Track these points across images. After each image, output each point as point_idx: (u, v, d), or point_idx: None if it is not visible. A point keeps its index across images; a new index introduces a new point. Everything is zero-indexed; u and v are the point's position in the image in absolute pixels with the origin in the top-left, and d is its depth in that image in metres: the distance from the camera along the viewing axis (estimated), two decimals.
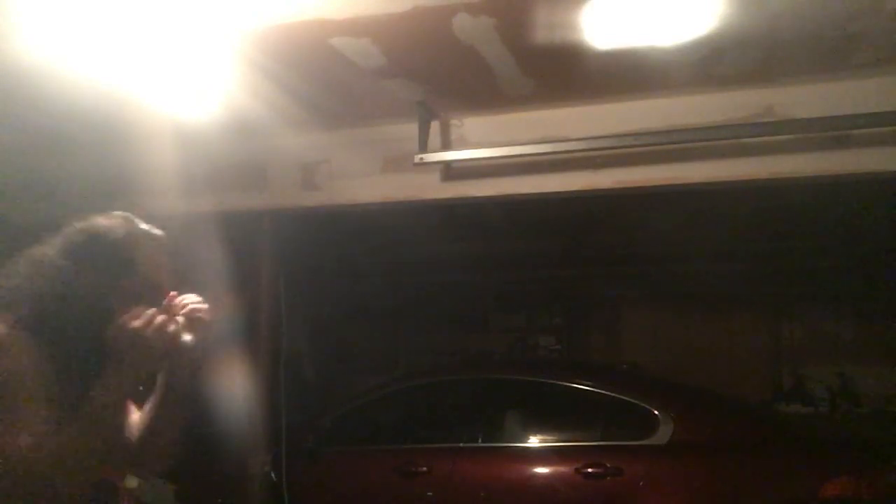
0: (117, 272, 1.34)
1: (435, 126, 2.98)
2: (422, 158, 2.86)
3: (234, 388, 3.24)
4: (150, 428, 1.44)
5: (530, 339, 7.76)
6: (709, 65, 2.45)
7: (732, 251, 5.85)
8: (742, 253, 5.91)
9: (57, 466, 1.17)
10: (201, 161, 3.17)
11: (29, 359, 1.21)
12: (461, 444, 3.69)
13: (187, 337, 1.38)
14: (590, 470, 3.35)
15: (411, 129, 2.91)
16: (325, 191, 3.22)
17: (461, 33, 2.18)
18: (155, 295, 1.39)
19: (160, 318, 1.31)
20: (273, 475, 3.57)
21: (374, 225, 4.63)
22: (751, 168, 2.68)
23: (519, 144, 2.80)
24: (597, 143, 2.71)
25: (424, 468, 3.60)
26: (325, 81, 2.62)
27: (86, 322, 1.29)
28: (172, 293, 1.42)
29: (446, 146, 3.00)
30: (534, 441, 3.68)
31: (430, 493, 3.52)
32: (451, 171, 3.02)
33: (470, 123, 3.01)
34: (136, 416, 1.47)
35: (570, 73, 2.55)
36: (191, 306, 1.41)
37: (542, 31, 2.17)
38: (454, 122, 3.03)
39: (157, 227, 1.48)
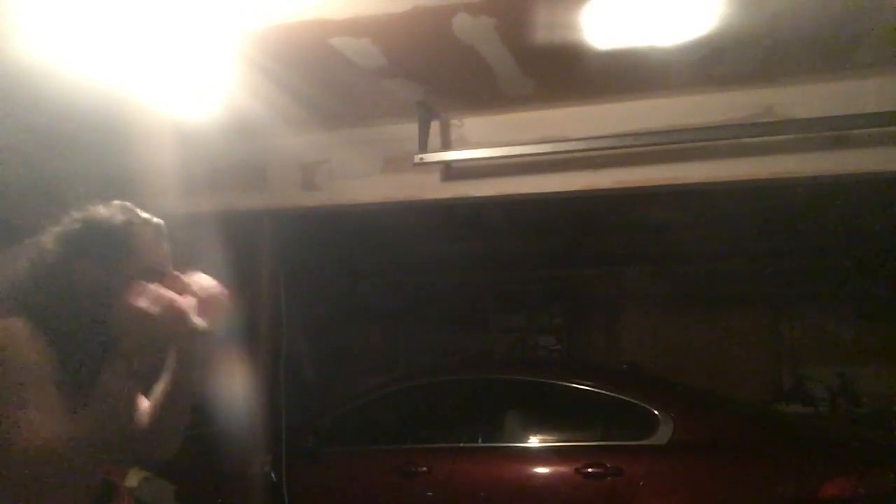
0: (115, 259, 1.32)
1: (435, 126, 2.98)
2: (422, 158, 2.86)
3: (234, 388, 3.24)
4: (159, 416, 1.42)
5: (530, 339, 7.75)
6: (709, 65, 2.45)
7: (732, 251, 5.86)
8: (742, 253, 5.91)
9: (72, 455, 1.16)
10: (201, 161, 3.17)
11: (32, 348, 1.20)
12: (461, 444, 3.69)
13: (198, 320, 1.36)
14: (590, 470, 3.35)
15: (411, 129, 2.91)
16: (325, 191, 3.22)
17: (461, 33, 2.18)
18: (156, 281, 1.36)
19: (168, 295, 1.28)
20: (273, 475, 3.57)
21: (374, 225, 4.63)
22: (751, 168, 2.68)
23: (519, 144, 2.81)
24: (597, 143, 2.71)
25: (424, 468, 3.60)
26: (325, 81, 2.62)
27: (86, 309, 1.27)
28: (178, 274, 1.39)
29: (446, 146, 3.00)
30: (534, 441, 3.68)
31: (430, 493, 3.52)
32: (451, 171, 3.02)
33: (470, 123, 3.01)
34: (144, 404, 1.46)
35: (570, 73, 2.55)
36: (206, 288, 1.40)
37: (542, 31, 2.17)
38: (454, 122, 3.03)
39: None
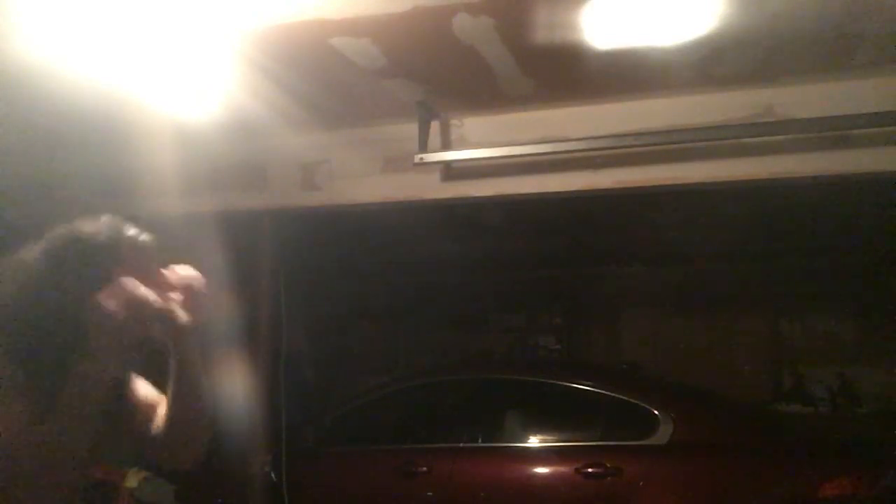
0: (99, 277, 1.29)
1: (435, 126, 2.98)
2: (422, 158, 2.86)
3: (234, 388, 3.24)
4: (171, 417, 1.41)
5: (530, 339, 7.75)
6: (709, 65, 2.45)
7: (732, 251, 5.86)
8: (742, 253, 5.91)
9: (39, 461, 1.15)
10: (201, 161, 3.17)
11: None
12: (461, 444, 3.69)
13: (183, 314, 1.34)
14: (590, 470, 3.35)
15: (411, 129, 2.91)
16: (325, 191, 3.22)
17: (461, 33, 2.18)
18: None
19: (142, 292, 1.25)
20: (273, 475, 3.57)
21: (374, 225, 4.63)
22: (751, 168, 2.68)
23: (519, 144, 2.80)
24: (597, 143, 2.71)
25: (424, 468, 3.60)
26: (325, 81, 2.62)
27: (64, 326, 1.25)
28: (162, 270, 1.38)
29: (446, 146, 3.00)
30: (534, 441, 3.68)
31: (430, 493, 3.52)
32: (451, 171, 3.02)
33: (470, 123, 3.01)
34: (158, 409, 1.45)
35: (570, 73, 2.55)
36: (185, 280, 1.37)
37: (542, 31, 2.17)
38: (454, 122, 3.03)
39: (149, 230, 1.45)
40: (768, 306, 6.88)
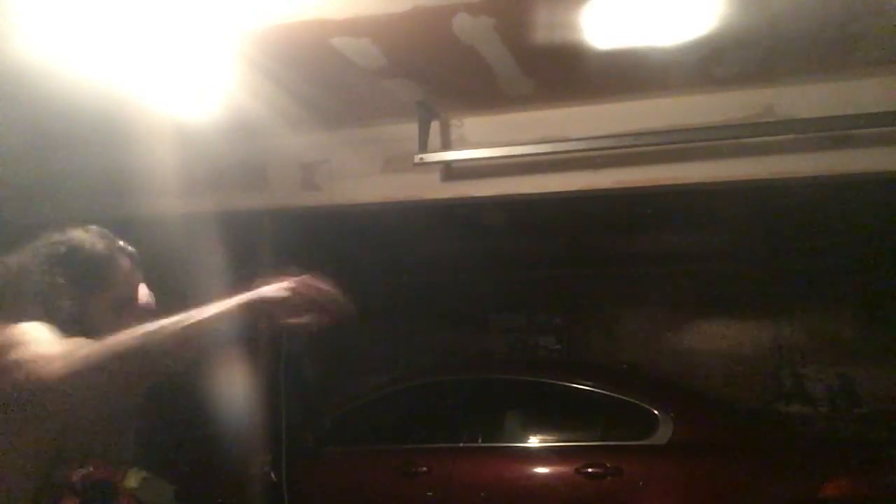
0: (93, 285, 1.33)
1: (435, 126, 2.98)
2: (422, 158, 2.86)
3: (234, 388, 3.24)
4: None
5: (530, 339, 7.74)
6: (709, 65, 2.45)
7: (732, 251, 5.86)
8: (742, 253, 5.91)
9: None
10: (201, 161, 3.17)
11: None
12: (461, 444, 3.69)
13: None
14: (590, 470, 3.35)
15: (411, 129, 2.91)
16: (325, 191, 3.22)
17: (461, 33, 2.18)
18: (128, 309, 1.38)
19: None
20: (273, 475, 3.57)
21: (374, 225, 4.63)
22: (751, 168, 2.68)
23: (519, 144, 2.80)
24: (597, 143, 2.71)
25: (424, 468, 3.60)
26: (325, 81, 2.62)
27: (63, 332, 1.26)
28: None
29: (446, 146, 3.00)
30: (534, 441, 3.68)
31: (430, 493, 3.52)
32: (451, 171, 3.02)
33: (470, 123, 3.01)
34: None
35: (570, 73, 2.55)
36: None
37: (542, 31, 2.17)
38: (454, 122, 3.02)
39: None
40: (768, 306, 6.88)
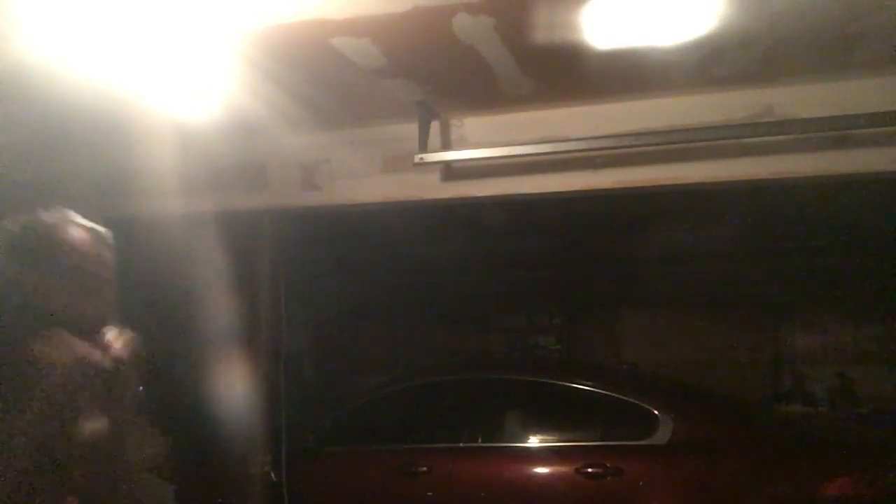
0: (48, 262, 1.32)
1: (435, 126, 2.98)
2: (422, 158, 2.86)
3: (234, 388, 3.24)
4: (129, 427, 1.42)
5: (530, 339, 7.75)
6: (709, 65, 2.45)
7: (732, 251, 5.86)
8: (742, 253, 5.91)
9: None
10: (201, 161, 3.17)
11: None
12: (461, 444, 3.69)
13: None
14: (590, 470, 3.35)
15: (411, 129, 2.91)
16: (325, 191, 3.22)
17: (461, 33, 2.18)
18: (90, 286, 1.37)
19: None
20: (273, 475, 3.57)
21: (374, 225, 4.63)
22: (751, 168, 2.68)
23: (519, 144, 2.80)
24: (597, 143, 2.71)
25: (424, 468, 3.60)
26: (325, 81, 2.62)
27: (19, 314, 1.26)
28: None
29: (446, 146, 3.00)
30: (534, 441, 3.68)
31: (430, 493, 3.52)
32: (451, 171, 3.02)
33: (470, 123, 3.01)
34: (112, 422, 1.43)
35: (570, 73, 2.55)
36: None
37: (542, 31, 2.17)
38: (454, 122, 3.03)
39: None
40: (768, 306, 6.88)
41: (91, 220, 1.43)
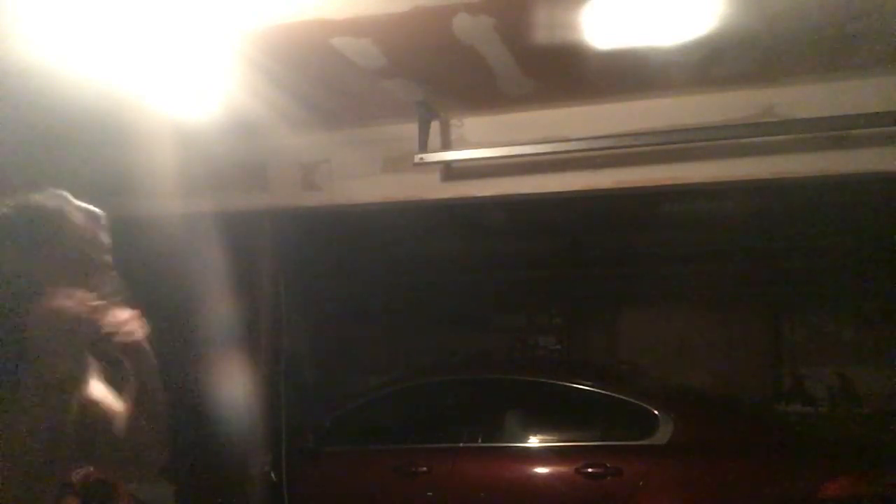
0: (45, 243, 1.30)
1: (435, 126, 2.98)
2: (422, 158, 2.86)
3: (234, 388, 3.24)
4: (133, 423, 1.41)
5: (530, 339, 7.75)
6: (709, 65, 2.45)
7: (732, 251, 5.86)
8: (742, 253, 5.91)
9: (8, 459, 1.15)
10: (201, 161, 3.17)
11: None
12: (461, 444, 3.69)
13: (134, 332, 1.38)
14: (590, 470, 3.35)
15: (411, 129, 2.91)
16: (325, 191, 3.22)
17: (461, 33, 2.18)
18: (89, 269, 1.36)
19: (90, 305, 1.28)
20: (273, 475, 3.57)
21: (374, 225, 4.63)
22: (751, 168, 2.68)
23: (519, 144, 2.80)
24: (597, 143, 2.71)
25: (424, 468, 3.60)
26: (326, 81, 2.62)
27: (13, 295, 1.25)
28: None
29: (446, 146, 3.00)
30: (534, 441, 3.68)
31: (430, 493, 3.52)
32: (451, 171, 3.02)
33: (470, 123, 3.01)
34: (118, 410, 1.43)
35: (570, 73, 2.55)
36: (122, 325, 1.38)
37: (542, 31, 2.17)
38: (454, 122, 3.03)
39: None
40: (768, 306, 6.88)
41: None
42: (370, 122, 3.10)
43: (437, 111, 2.95)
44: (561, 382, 3.84)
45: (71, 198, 1.41)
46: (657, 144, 2.67)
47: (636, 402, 3.57)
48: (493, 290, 7.46)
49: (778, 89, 2.62)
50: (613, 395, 3.67)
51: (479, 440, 3.70)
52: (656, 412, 3.48)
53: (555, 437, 3.72)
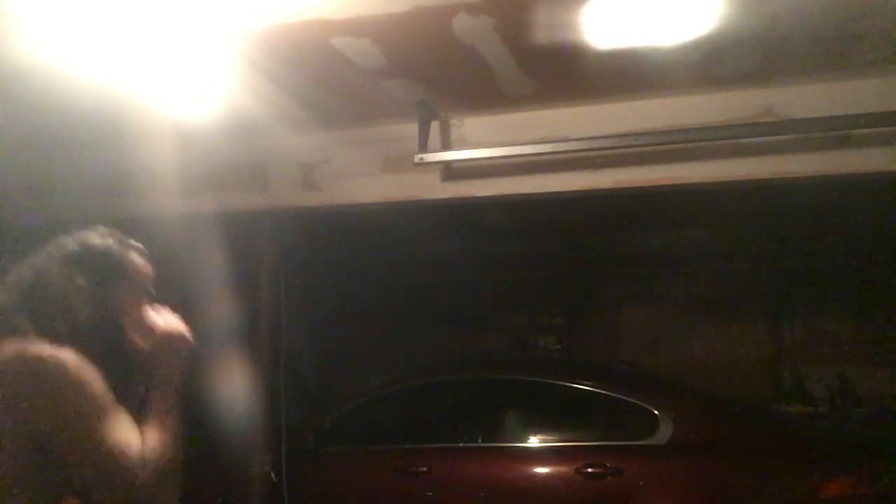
0: (111, 279, 1.40)
1: (435, 126, 2.98)
2: (422, 158, 2.86)
3: (235, 388, 3.24)
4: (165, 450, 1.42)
5: (530, 339, 7.75)
6: (709, 65, 2.45)
7: (732, 251, 5.86)
8: (742, 253, 5.91)
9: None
10: (201, 161, 3.17)
11: (87, 370, 1.26)
12: (461, 444, 3.69)
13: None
14: (590, 470, 3.35)
15: (411, 129, 2.91)
16: (325, 191, 3.22)
17: (461, 33, 2.18)
18: (144, 301, 1.46)
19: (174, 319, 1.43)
20: (273, 475, 3.57)
21: (374, 225, 4.63)
22: (751, 168, 2.68)
23: (519, 144, 2.80)
24: (597, 143, 2.71)
25: (424, 468, 3.60)
26: (325, 81, 2.62)
27: (100, 331, 1.35)
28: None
29: (446, 146, 3.00)
30: (534, 441, 3.67)
31: (430, 493, 3.52)
32: (451, 171, 3.02)
33: (470, 123, 3.01)
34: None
35: (570, 73, 2.55)
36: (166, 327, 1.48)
37: (542, 31, 2.17)
38: (454, 122, 3.03)
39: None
40: (768, 306, 6.88)
41: (92, 220, 1.47)
42: (370, 122, 3.10)
43: (437, 111, 2.95)
44: (561, 382, 3.84)
45: (120, 234, 1.50)
46: (657, 144, 2.67)
47: (636, 402, 3.57)
48: (493, 290, 7.47)
49: (778, 89, 2.62)
50: (613, 395, 3.66)
51: (479, 440, 3.69)
52: (656, 412, 3.48)
53: (555, 437, 3.72)
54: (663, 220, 4.88)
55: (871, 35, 2.21)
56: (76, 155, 3.34)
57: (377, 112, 2.97)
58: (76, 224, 1.45)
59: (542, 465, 3.53)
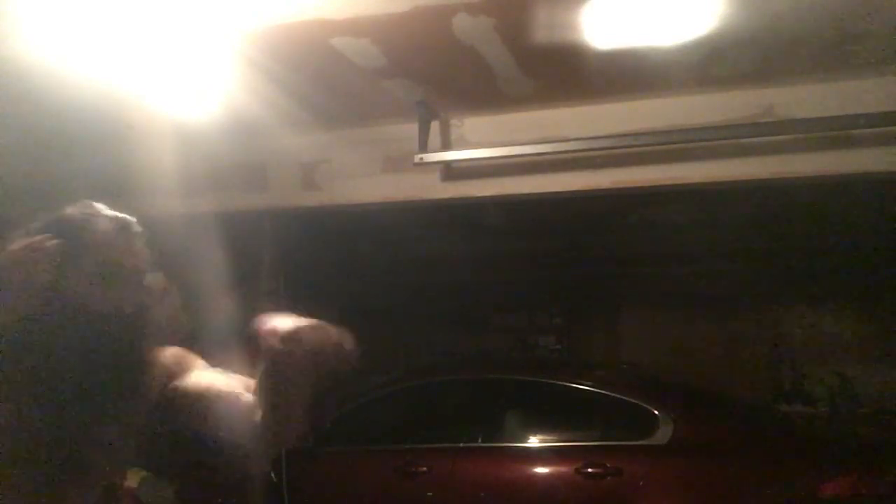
0: (73, 253, 1.30)
1: (435, 126, 2.98)
2: (422, 158, 2.86)
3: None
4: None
5: (530, 339, 7.76)
6: (709, 65, 2.45)
7: (732, 251, 5.86)
8: (742, 253, 5.91)
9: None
10: (201, 161, 3.17)
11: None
12: (461, 444, 3.69)
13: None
14: (590, 470, 3.35)
15: (411, 129, 2.91)
16: (325, 191, 3.22)
17: (461, 33, 2.18)
18: (133, 278, 1.37)
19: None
20: (273, 475, 3.57)
21: (374, 225, 4.63)
22: (751, 168, 2.68)
23: (519, 144, 2.81)
24: (597, 143, 2.71)
25: (424, 468, 3.60)
26: (326, 81, 2.62)
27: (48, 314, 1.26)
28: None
29: (446, 146, 3.00)
30: (534, 441, 3.68)
31: (430, 493, 3.52)
32: (451, 171, 3.02)
33: (470, 123, 3.01)
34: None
35: (570, 73, 2.55)
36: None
37: (542, 31, 2.17)
38: (454, 122, 3.03)
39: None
40: (768, 306, 6.88)
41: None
42: (370, 122, 3.10)
43: (437, 111, 2.95)
44: (561, 382, 3.84)
45: (100, 207, 1.42)
46: (657, 144, 2.67)
47: (636, 402, 3.57)
48: (493, 290, 7.47)
49: (778, 89, 2.62)
50: (613, 395, 3.67)
51: (479, 440, 3.70)
52: (656, 412, 3.48)
53: (554, 437, 3.72)
54: (663, 221, 4.88)
55: (871, 35, 2.21)
56: (76, 155, 3.34)
57: (377, 112, 2.97)
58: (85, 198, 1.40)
59: (542, 465, 3.53)
